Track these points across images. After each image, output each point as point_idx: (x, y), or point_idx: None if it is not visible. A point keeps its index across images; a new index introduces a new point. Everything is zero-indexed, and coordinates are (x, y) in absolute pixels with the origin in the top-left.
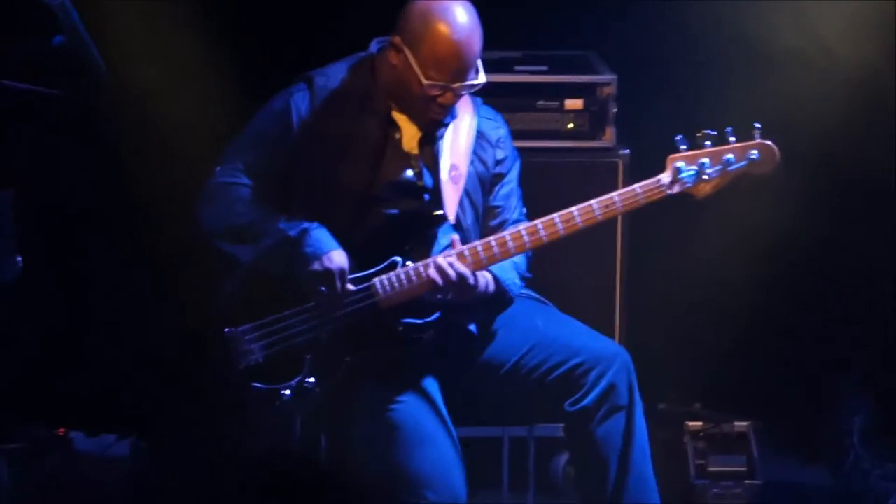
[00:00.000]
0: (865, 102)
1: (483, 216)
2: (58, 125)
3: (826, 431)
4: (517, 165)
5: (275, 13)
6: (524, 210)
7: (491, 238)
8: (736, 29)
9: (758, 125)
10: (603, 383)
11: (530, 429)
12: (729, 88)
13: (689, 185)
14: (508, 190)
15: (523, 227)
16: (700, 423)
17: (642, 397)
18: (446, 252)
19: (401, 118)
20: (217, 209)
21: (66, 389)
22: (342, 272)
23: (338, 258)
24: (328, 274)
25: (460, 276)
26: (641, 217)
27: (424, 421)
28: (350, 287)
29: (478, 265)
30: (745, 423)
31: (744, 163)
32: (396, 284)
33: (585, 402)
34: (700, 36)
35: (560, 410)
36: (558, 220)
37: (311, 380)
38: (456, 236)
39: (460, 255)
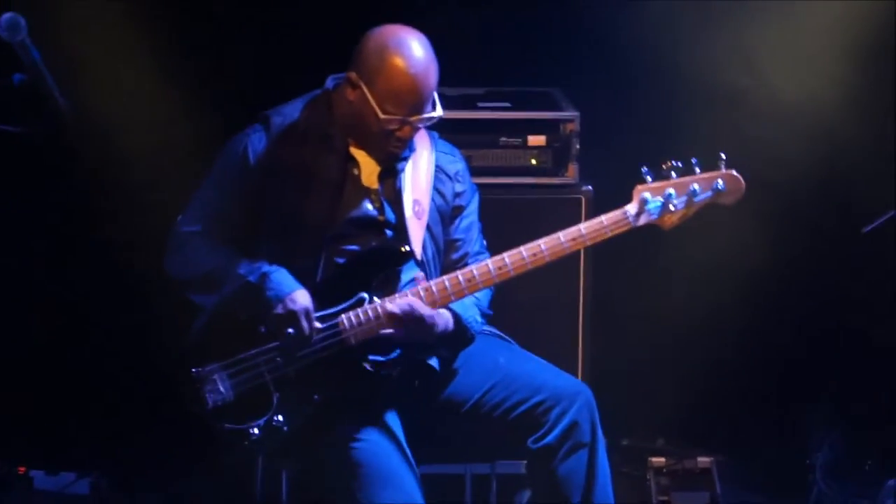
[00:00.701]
0: (827, 133)
1: (444, 250)
2: (18, 162)
3: (789, 467)
4: (476, 198)
5: (246, 24)
6: (484, 243)
7: (458, 272)
8: (699, 66)
9: (723, 155)
10: (565, 421)
11: (493, 466)
12: (693, 124)
13: (654, 216)
14: (468, 223)
15: (490, 260)
16: (663, 459)
17: (605, 433)
18: (411, 288)
19: (359, 154)
20: (179, 259)
21: (27, 427)
22: (307, 312)
23: (301, 298)
24: (293, 315)
25: (419, 315)
26: (605, 254)
27: (387, 458)
28: (317, 325)
29: (445, 300)
30: (708, 459)
31: (709, 193)
32: (364, 320)
33: (548, 439)
34: (664, 72)
35: (523, 447)
36: (525, 253)
37: (280, 418)
38: (420, 273)
39: (427, 290)
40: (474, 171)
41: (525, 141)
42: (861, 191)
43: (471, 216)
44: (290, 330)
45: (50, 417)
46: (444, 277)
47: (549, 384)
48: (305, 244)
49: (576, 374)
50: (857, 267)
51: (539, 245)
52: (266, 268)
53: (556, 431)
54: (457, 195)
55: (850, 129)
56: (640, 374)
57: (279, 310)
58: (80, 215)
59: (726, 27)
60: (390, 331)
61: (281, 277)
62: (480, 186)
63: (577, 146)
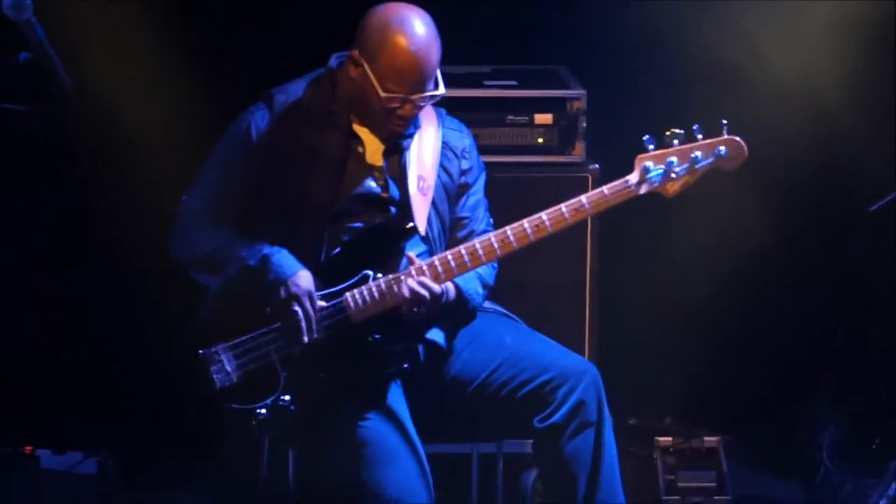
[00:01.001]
0: (832, 117)
1: (450, 227)
2: (23, 141)
3: (796, 446)
4: (483, 176)
5: (246, 24)
6: (491, 221)
7: (460, 247)
8: (706, 44)
9: (725, 121)
10: (572, 399)
11: (499, 445)
12: (699, 102)
13: (657, 184)
14: (475, 201)
15: (492, 234)
16: (670, 439)
17: (612, 412)
18: (411, 267)
19: (363, 131)
20: (183, 239)
21: (34, 406)
22: (309, 294)
23: (303, 281)
24: (296, 298)
25: (431, 292)
26: (611, 232)
27: (392, 438)
28: (321, 303)
29: (448, 274)
30: (715, 439)
31: (711, 159)
32: (368, 298)
33: (555, 418)
34: (671, 50)
35: (529, 427)
36: (527, 225)
37: (287, 397)
38: (412, 253)
39: (430, 265)
40: (481, 150)
41: (532, 119)
42: (863, 170)
43: (477, 194)
44: (294, 311)
45: (56, 397)
46: (447, 252)
47: (556, 363)
48: (309, 222)
49: (582, 354)
50: (861, 246)
51: (541, 217)
52: (267, 250)
53: (563, 410)
54: (463, 172)
55: (852, 108)
56: (647, 353)
57: (282, 293)
58: (83, 196)
59: (730, 6)
60: (399, 307)
61: (282, 259)
62: (487, 165)
63: (584, 124)
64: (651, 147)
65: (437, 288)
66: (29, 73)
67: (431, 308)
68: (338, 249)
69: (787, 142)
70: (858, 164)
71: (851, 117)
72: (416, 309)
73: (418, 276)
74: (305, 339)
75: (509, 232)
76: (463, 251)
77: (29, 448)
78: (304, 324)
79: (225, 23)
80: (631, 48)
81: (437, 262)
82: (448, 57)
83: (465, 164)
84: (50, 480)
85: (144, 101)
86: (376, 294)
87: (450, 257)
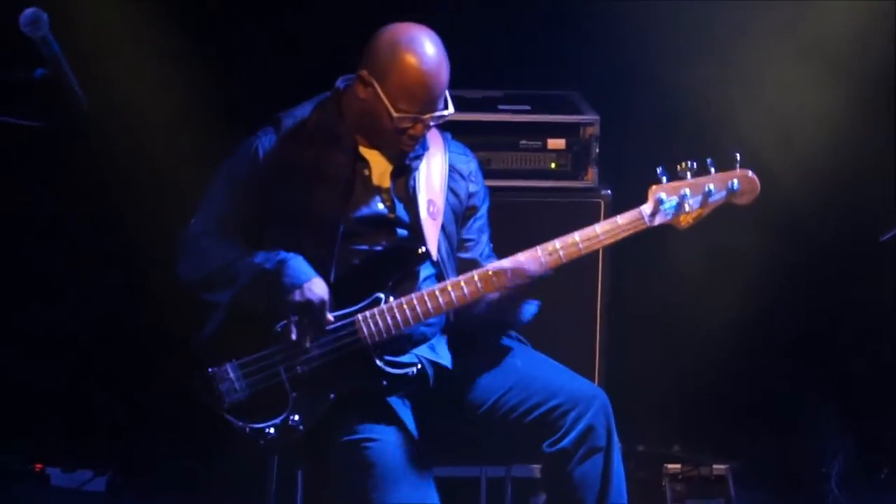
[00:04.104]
0: (836, 144)
1: (456, 247)
2: (39, 155)
3: (804, 475)
4: (488, 202)
5: (259, 41)
6: (491, 246)
7: (473, 272)
8: (713, 74)
9: (738, 154)
10: (581, 425)
11: (508, 469)
12: (710, 129)
13: (670, 216)
14: (481, 224)
15: (506, 260)
16: (679, 466)
17: (621, 439)
18: (427, 287)
19: (369, 153)
20: (192, 259)
21: (44, 424)
22: (322, 302)
23: (318, 288)
24: (308, 304)
25: (529, 274)
26: (623, 258)
27: (401, 458)
28: (330, 317)
29: (461, 300)
30: (723, 466)
31: (724, 193)
32: (380, 321)
33: (564, 443)
34: (685, 74)
35: (538, 451)
36: (540, 252)
37: (296, 417)
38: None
39: (443, 290)
40: (494, 174)
41: (545, 144)
42: (866, 197)
43: (483, 218)
44: (304, 319)
45: (67, 415)
46: (461, 277)
47: (565, 388)
48: (316, 243)
49: (592, 379)
50: (867, 272)
51: (554, 244)
52: (283, 254)
53: (572, 435)
54: (470, 195)
55: (855, 134)
56: (657, 379)
57: (296, 296)
58: (96, 208)
59: (730, 34)
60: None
61: (298, 264)
62: (500, 189)
63: (597, 150)
64: (664, 179)
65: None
66: (45, 88)
67: (524, 293)
68: (348, 271)
69: (792, 168)
70: (861, 193)
71: (855, 145)
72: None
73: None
74: (316, 350)
75: (522, 258)
76: (476, 276)
77: (39, 466)
78: (315, 331)
79: (239, 30)
80: (645, 73)
81: (449, 288)
82: (462, 81)
83: (472, 188)
84: (59, 498)
85: (159, 100)
86: (388, 317)
87: (463, 283)
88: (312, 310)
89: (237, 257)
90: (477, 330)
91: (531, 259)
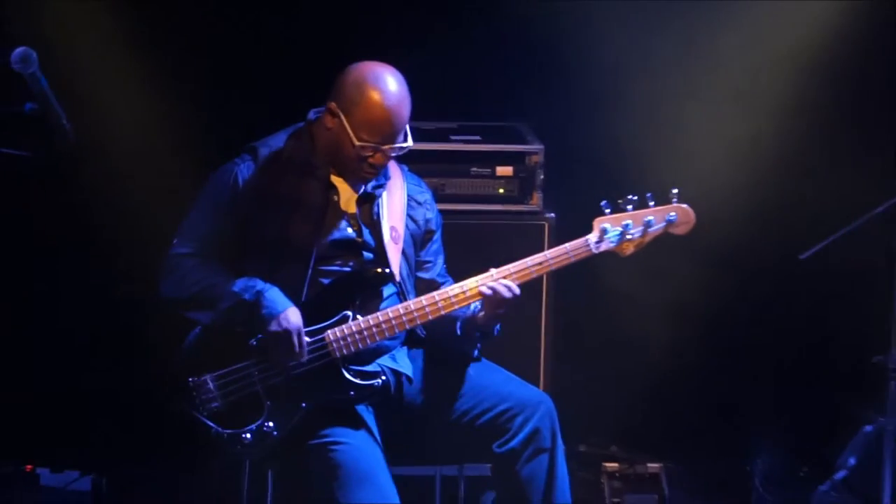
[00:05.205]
0: (770, 174)
1: (414, 268)
2: (27, 184)
3: (731, 473)
4: (441, 226)
5: (241, 70)
6: (445, 267)
7: (434, 293)
8: (653, 99)
9: (675, 190)
10: (528, 427)
11: (461, 468)
12: (648, 155)
13: (614, 244)
14: (437, 247)
15: (466, 282)
16: (616, 465)
17: (564, 440)
18: (391, 306)
19: (338, 181)
20: (175, 280)
21: (35, 427)
22: (299, 331)
23: (293, 317)
24: (286, 334)
25: (510, 290)
26: (566, 280)
27: (365, 460)
28: (306, 339)
29: (423, 318)
30: (657, 465)
31: (663, 224)
32: (349, 337)
33: (512, 444)
34: (623, 108)
35: (489, 451)
36: (496, 276)
37: (271, 424)
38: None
39: (406, 309)
40: (448, 198)
41: (494, 171)
42: (793, 222)
43: (438, 241)
44: (284, 344)
45: (55, 418)
46: (423, 297)
47: (514, 394)
48: (291, 264)
49: (538, 385)
50: (790, 288)
51: (508, 269)
52: (260, 286)
53: (520, 437)
54: (427, 220)
55: (785, 166)
56: (597, 385)
57: (273, 327)
58: (80, 228)
59: (673, 63)
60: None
61: (274, 296)
62: (453, 212)
63: (542, 176)
64: (608, 210)
65: (517, 291)
66: (33, 121)
67: (508, 309)
68: (318, 291)
69: (727, 194)
70: (788, 217)
71: (784, 174)
72: (499, 311)
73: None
74: (293, 370)
75: (479, 281)
76: (436, 296)
77: (30, 466)
78: (293, 356)
79: (219, 66)
80: (587, 106)
81: (412, 306)
82: (418, 113)
83: (428, 214)
84: (48, 497)
85: (141, 132)
86: (356, 333)
87: (424, 302)
88: (290, 338)
89: (217, 282)
90: (452, 344)
91: (494, 284)
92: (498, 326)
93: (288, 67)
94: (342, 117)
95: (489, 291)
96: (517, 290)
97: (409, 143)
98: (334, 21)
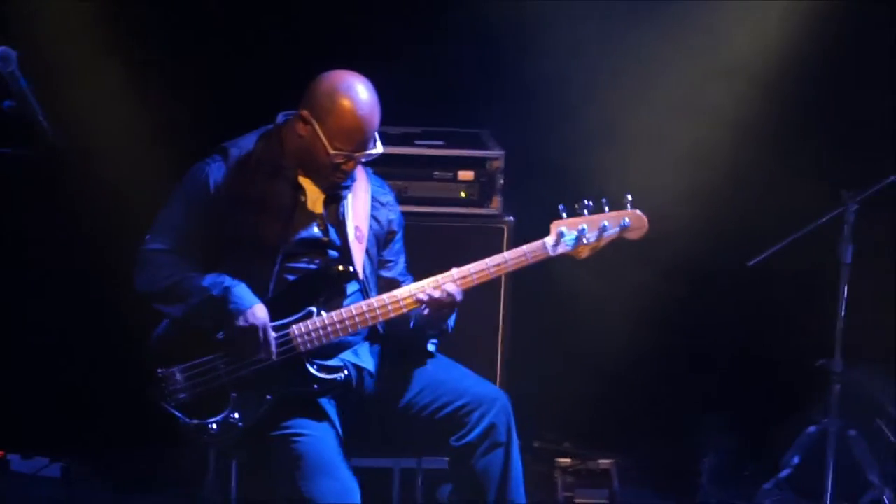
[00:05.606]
0: (720, 182)
1: (377, 267)
2: (7, 181)
3: (680, 470)
4: (403, 227)
5: (219, 71)
6: (406, 265)
7: (395, 291)
8: (613, 113)
9: (629, 196)
10: (485, 422)
11: (419, 461)
12: (605, 163)
13: (570, 248)
14: (399, 247)
15: (426, 281)
16: (569, 460)
17: (519, 436)
18: (354, 303)
19: (306, 182)
20: (147, 274)
21: (8, 413)
22: (265, 326)
23: (260, 313)
24: (252, 329)
25: (451, 296)
26: (523, 281)
27: (326, 451)
28: (272, 334)
29: (385, 315)
30: (608, 461)
31: (617, 229)
32: (313, 332)
33: (469, 438)
34: (580, 117)
35: (446, 445)
36: (456, 275)
37: (236, 415)
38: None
39: (369, 306)
40: (411, 201)
41: (456, 175)
42: (744, 229)
43: (400, 241)
44: (251, 339)
45: (25, 405)
46: (384, 295)
47: (471, 390)
48: (259, 261)
49: (495, 382)
50: (738, 292)
51: (469, 269)
52: (228, 282)
53: (477, 431)
54: (390, 221)
55: (735, 177)
56: (552, 384)
57: (240, 322)
58: (60, 227)
59: (632, 73)
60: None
61: (241, 292)
62: (416, 214)
63: (502, 181)
64: (564, 214)
65: (458, 297)
66: (12, 119)
67: (449, 312)
68: (284, 287)
69: (679, 202)
70: (738, 225)
71: (734, 183)
72: (443, 311)
73: (456, 283)
74: (260, 363)
75: (440, 280)
76: (398, 294)
77: (1, 452)
78: (260, 350)
79: (196, 67)
80: (546, 114)
81: (375, 304)
82: (384, 118)
83: (391, 215)
84: (18, 482)
85: (120, 130)
86: (319, 328)
87: (386, 299)
88: (256, 333)
89: (187, 277)
90: (407, 339)
91: (448, 283)
92: (452, 323)
93: (264, 70)
94: (315, 126)
95: (426, 297)
96: (459, 297)
97: (380, 148)
98: (305, 27)
